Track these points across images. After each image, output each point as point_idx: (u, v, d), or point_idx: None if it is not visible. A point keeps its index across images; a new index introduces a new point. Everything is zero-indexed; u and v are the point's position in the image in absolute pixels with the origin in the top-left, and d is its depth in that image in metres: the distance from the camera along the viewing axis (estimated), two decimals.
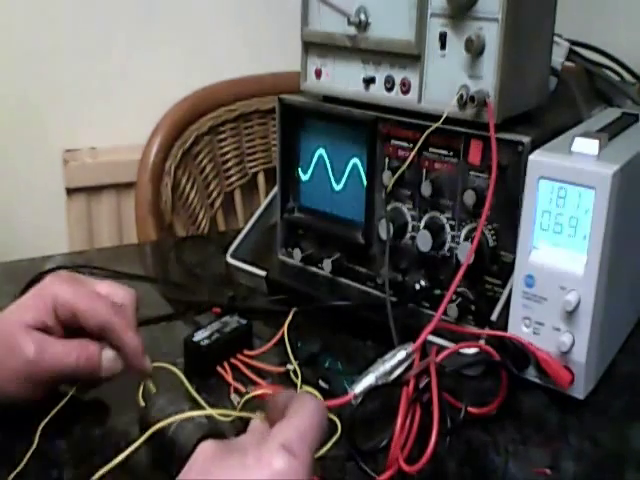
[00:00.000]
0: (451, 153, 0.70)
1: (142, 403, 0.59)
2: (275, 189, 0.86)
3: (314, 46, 0.79)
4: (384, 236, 0.74)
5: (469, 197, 0.68)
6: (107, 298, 0.60)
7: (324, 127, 0.80)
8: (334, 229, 0.81)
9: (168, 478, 0.53)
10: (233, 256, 0.86)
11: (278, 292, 0.81)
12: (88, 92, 1.41)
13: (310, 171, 0.83)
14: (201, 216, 1.25)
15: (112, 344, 0.59)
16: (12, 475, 0.53)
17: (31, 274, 0.80)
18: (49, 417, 0.57)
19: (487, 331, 0.65)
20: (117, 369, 0.60)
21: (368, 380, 0.58)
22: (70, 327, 0.59)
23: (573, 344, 0.62)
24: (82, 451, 0.56)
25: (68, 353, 0.58)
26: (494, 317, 0.67)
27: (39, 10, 1.34)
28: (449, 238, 0.72)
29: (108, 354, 0.59)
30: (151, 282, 0.87)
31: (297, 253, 0.84)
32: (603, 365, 0.67)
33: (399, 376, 0.58)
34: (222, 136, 1.27)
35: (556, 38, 0.81)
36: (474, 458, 0.57)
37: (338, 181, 0.80)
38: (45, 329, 0.58)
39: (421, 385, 0.56)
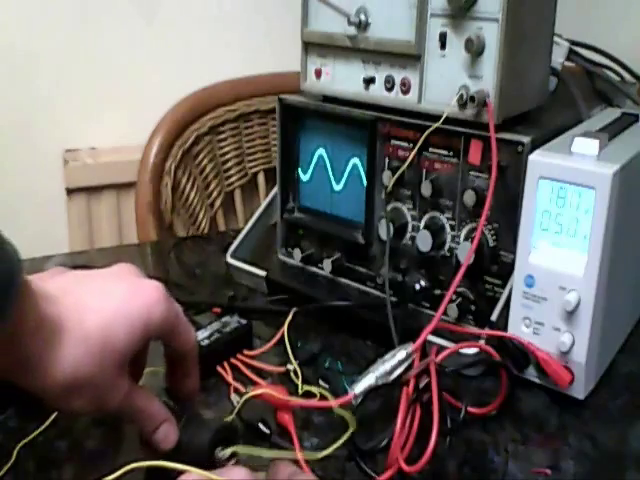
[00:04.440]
0: (451, 153, 0.70)
1: None
2: (275, 189, 0.86)
3: (314, 46, 0.79)
4: (384, 236, 0.74)
5: (469, 197, 0.68)
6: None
7: (324, 127, 0.80)
8: (334, 229, 0.81)
9: (168, 478, 0.53)
10: (233, 256, 0.86)
11: (278, 292, 0.81)
12: (88, 92, 1.41)
13: (310, 171, 0.83)
14: (201, 216, 1.25)
15: (178, 373, 0.54)
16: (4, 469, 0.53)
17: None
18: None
19: (487, 331, 0.65)
20: (161, 446, 0.52)
21: (368, 380, 0.58)
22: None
23: (573, 344, 0.62)
24: (82, 451, 0.56)
25: (145, 414, 0.51)
26: (494, 317, 0.67)
27: (39, 10, 1.34)
28: (449, 238, 0.72)
29: (166, 430, 0.52)
30: None
31: (297, 253, 0.84)
32: (603, 365, 0.67)
33: (399, 376, 0.58)
34: (222, 136, 1.27)
35: (556, 38, 0.81)
36: (474, 458, 0.57)
37: (338, 181, 0.80)
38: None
39: (421, 385, 0.56)
